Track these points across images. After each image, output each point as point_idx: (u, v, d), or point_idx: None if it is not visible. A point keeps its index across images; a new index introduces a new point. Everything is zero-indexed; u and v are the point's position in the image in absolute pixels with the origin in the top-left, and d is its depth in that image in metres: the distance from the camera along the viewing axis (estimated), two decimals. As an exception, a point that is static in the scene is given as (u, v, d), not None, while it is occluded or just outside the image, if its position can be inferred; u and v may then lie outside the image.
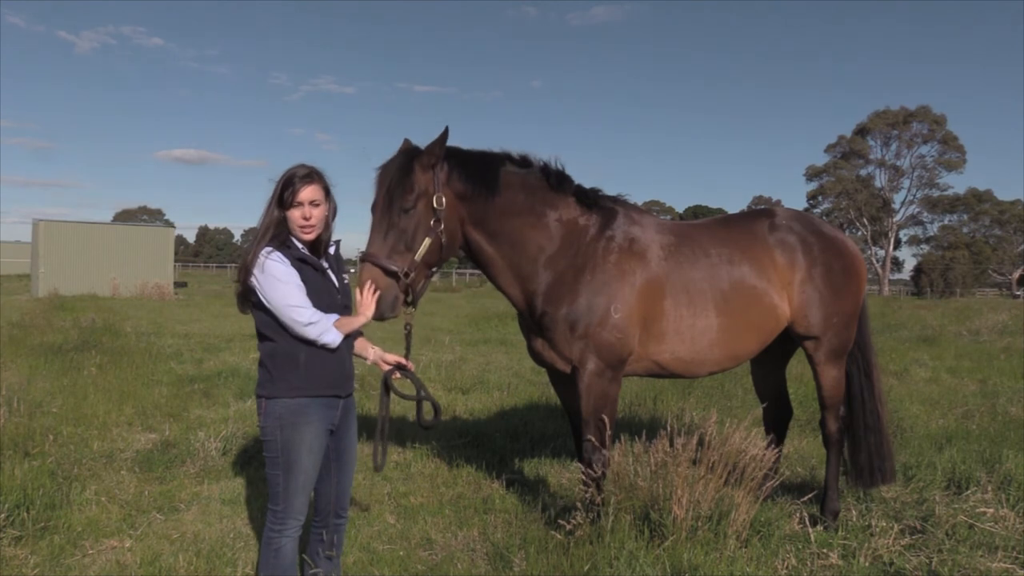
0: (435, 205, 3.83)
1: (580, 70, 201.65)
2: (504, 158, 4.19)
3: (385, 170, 3.84)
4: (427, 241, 3.81)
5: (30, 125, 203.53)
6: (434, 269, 3.99)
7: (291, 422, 3.16)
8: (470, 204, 4.01)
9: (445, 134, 3.85)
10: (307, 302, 3.14)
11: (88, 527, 4.46)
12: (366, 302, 3.40)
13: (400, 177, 3.77)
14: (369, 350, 3.53)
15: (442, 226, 3.86)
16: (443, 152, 3.89)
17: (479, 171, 4.03)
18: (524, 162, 4.24)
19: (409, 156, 3.86)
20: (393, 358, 3.55)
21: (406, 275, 3.72)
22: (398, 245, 3.74)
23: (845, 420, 4.83)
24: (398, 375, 3.57)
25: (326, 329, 3.14)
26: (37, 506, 4.48)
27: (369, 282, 3.52)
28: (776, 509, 4.61)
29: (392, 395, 3.60)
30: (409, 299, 3.80)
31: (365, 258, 3.69)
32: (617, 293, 4.13)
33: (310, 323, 3.12)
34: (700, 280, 4.34)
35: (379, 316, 3.58)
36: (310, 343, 3.16)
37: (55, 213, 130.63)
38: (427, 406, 3.72)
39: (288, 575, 3.24)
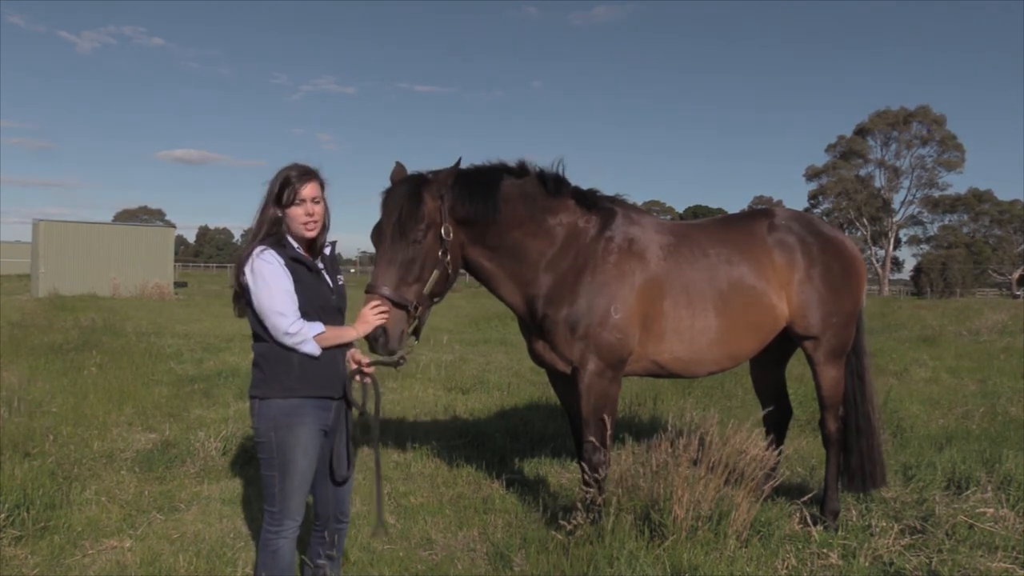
0: (443, 235, 3.76)
1: (581, 70, 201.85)
2: (501, 171, 4.13)
3: (393, 197, 3.71)
4: (436, 273, 3.74)
5: (30, 125, 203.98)
6: (436, 300, 3.91)
7: (285, 423, 3.14)
8: (470, 228, 3.96)
9: (458, 165, 3.77)
10: (292, 308, 3.11)
11: (88, 527, 4.47)
12: (366, 319, 3.37)
13: (410, 207, 3.64)
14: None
15: (448, 257, 3.79)
16: (452, 181, 3.82)
17: (481, 195, 3.94)
18: (521, 170, 4.19)
19: (417, 184, 3.74)
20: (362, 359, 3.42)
21: (415, 307, 3.63)
22: (407, 276, 3.63)
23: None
24: (358, 379, 3.41)
25: (305, 339, 3.11)
26: (37, 506, 4.48)
27: (376, 304, 3.43)
28: (776, 509, 4.61)
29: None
30: (411, 330, 3.71)
31: (372, 289, 3.55)
32: (617, 293, 4.13)
33: (287, 332, 3.10)
34: (699, 280, 4.34)
35: (387, 350, 3.48)
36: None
37: (55, 213, 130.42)
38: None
39: (286, 576, 3.24)
